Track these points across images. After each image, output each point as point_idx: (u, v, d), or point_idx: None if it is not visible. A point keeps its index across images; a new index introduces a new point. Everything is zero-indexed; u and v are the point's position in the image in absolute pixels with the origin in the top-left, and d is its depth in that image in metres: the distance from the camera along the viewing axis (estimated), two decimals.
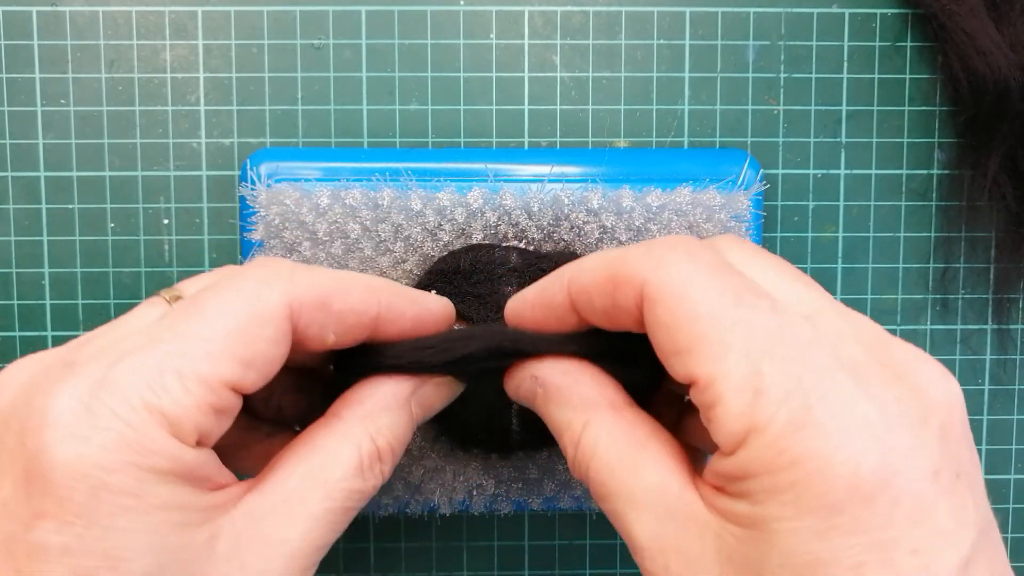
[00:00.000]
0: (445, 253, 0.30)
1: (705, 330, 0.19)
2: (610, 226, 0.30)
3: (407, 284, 0.30)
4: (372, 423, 0.23)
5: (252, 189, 0.31)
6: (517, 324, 0.24)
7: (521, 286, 0.30)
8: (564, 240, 0.31)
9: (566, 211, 0.30)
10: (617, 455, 0.21)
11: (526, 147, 0.34)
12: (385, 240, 0.30)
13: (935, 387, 0.19)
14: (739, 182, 0.32)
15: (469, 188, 0.30)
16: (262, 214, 0.30)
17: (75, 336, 0.34)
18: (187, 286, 0.23)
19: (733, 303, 0.19)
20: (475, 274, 0.30)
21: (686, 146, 0.34)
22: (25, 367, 0.21)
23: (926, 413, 0.18)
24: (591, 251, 0.31)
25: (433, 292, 0.27)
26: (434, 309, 0.25)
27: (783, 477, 0.17)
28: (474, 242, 0.30)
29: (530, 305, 0.23)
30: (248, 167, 0.32)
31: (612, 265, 0.21)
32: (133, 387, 0.19)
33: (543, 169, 0.32)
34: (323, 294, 0.22)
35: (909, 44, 0.35)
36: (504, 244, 0.30)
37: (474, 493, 0.32)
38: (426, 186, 0.31)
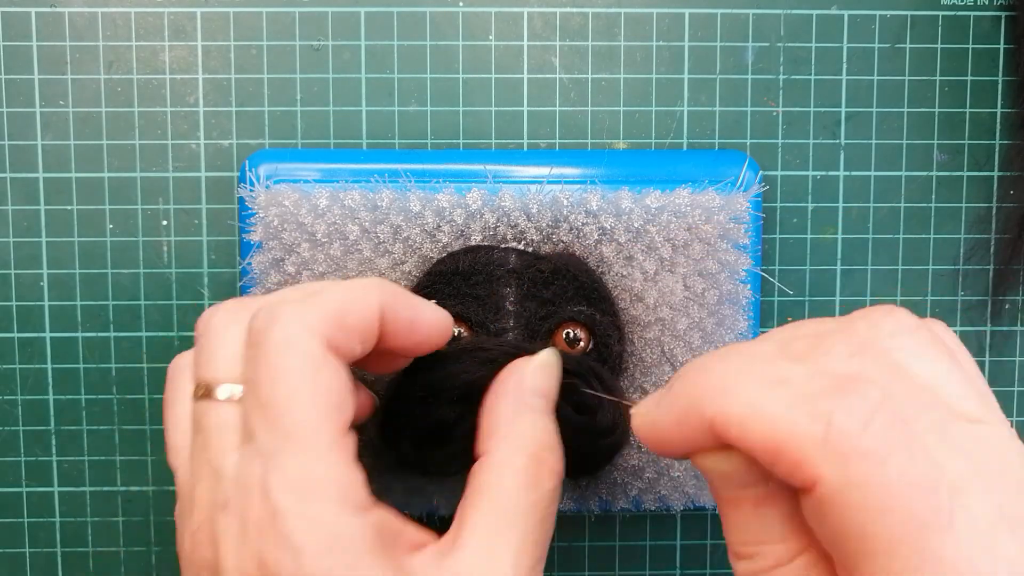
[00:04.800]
0: (444, 254, 0.30)
1: (887, 561, 0.17)
2: (609, 227, 0.30)
3: (406, 286, 0.30)
4: (514, 439, 0.24)
5: (251, 190, 0.31)
6: (646, 443, 0.22)
7: (520, 288, 0.30)
8: (563, 241, 0.30)
9: (565, 212, 0.30)
10: None
11: (525, 148, 0.34)
12: (384, 241, 0.30)
13: None
14: (738, 184, 0.32)
15: (468, 189, 0.30)
16: (261, 215, 0.30)
17: (73, 337, 0.34)
18: (212, 370, 0.23)
19: (923, 529, 0.17)
20: (474, 275, 0.30)
21: (685, 147, 0.34)
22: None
23: None
24: (590, 252, 0.30)
25: (433, 301, 0.26)
26: (428, 317, 0.25)
27: None
28: (473, 243, 0.30)
29: (662, 431, 0.21)
30: (247, 168, 0.32)
31: (777, 435, 0.18)
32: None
33: (542, 170, 0.32)
34: (337, 317, 0.22)
35: (908, 46, 0.35)
36: (503, 246, 0.30)
37: None
38: (425, 187, 0.31)
